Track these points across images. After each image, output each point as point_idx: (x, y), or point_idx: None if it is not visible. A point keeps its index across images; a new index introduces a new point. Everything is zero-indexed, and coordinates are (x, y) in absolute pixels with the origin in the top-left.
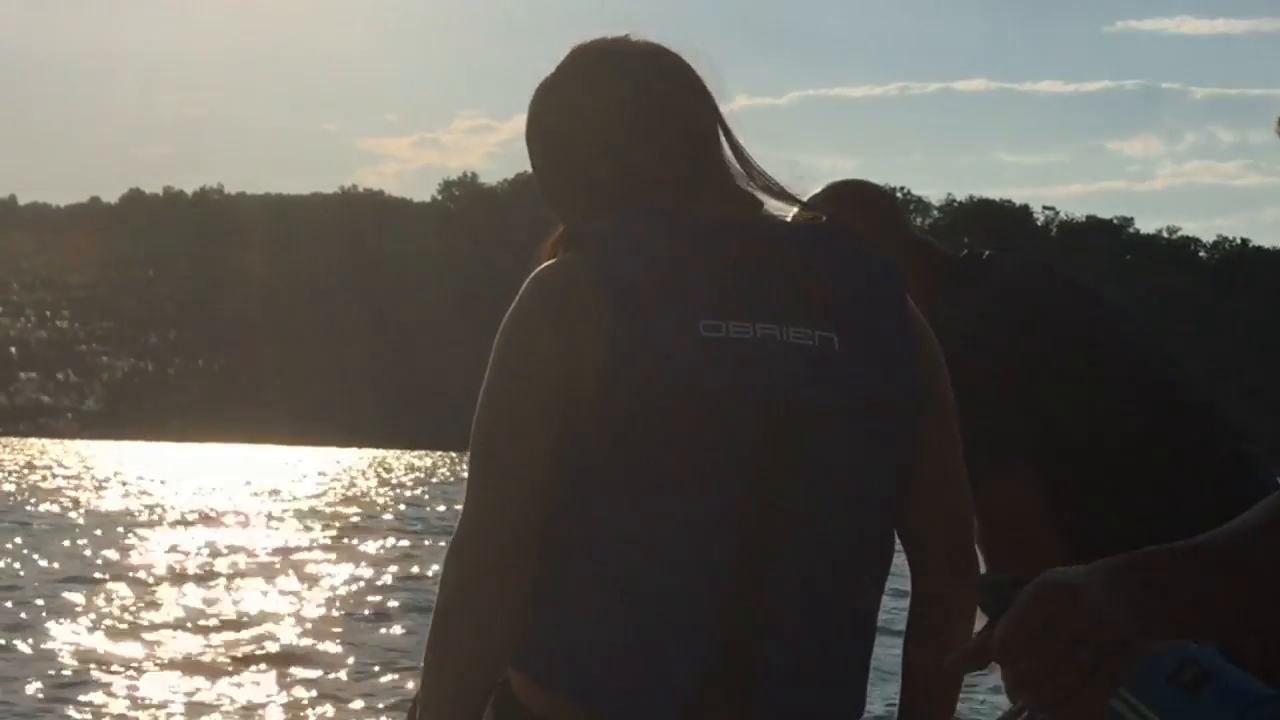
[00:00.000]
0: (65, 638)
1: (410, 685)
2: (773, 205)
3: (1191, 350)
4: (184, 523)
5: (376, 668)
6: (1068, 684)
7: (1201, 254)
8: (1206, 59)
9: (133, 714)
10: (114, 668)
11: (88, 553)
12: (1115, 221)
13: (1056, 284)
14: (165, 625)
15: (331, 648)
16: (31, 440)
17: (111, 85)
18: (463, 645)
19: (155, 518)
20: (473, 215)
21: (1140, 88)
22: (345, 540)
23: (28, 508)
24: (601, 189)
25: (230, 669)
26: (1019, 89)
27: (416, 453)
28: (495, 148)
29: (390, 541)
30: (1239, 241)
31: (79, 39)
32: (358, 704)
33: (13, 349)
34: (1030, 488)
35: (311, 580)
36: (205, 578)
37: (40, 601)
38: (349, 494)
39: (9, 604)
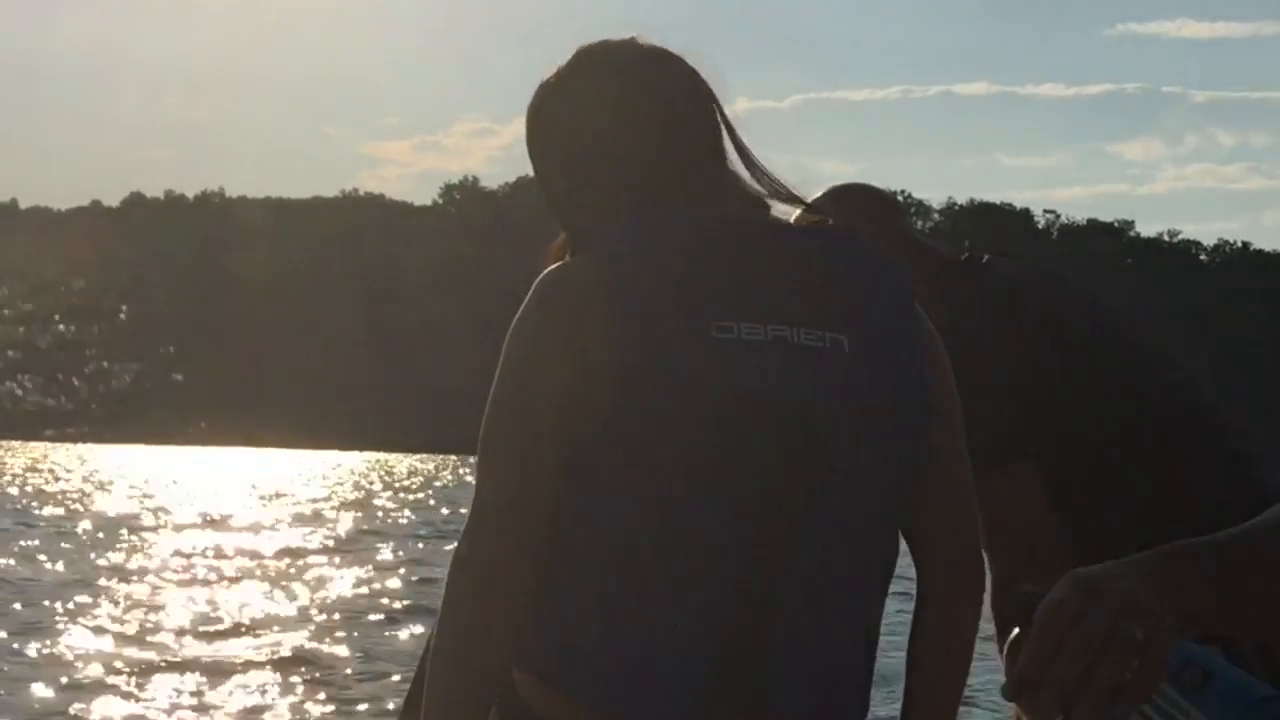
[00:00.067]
0: (72, 641)
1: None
2: (777, 208)
3: (1192, 353)
4: (189, 526)
5: (384, 669)
6: (1112, 671)
7: (1202, 257)
8: (1207, 62)
9: (140, 717)
10: (121, 671)
11: (93, 556)
12: (1116, 224)
13: (1056, 285)
14: (171, 628)
15: (340, 651)
16: (33, 444)
17: (112, 89)
18: (468, 649)
19: (160, 521)
20: (474, 218)
21: (1141, 91)
22: (350, 543)
23: (32, 512)
24: (605, 191)
25: (237, 672)
26: (1020, 92)
27: (418, 456)
28: (496, 151)
29: (394, 545)
30: (1240, 245)
31: (80, 43)
32: (363, 706)
33: (10, 352)
34: (1032, 486)
35: (318, 583)
36: (211, 581)
37: (47, 605)
38: (353, 497)
39: (16, 606)
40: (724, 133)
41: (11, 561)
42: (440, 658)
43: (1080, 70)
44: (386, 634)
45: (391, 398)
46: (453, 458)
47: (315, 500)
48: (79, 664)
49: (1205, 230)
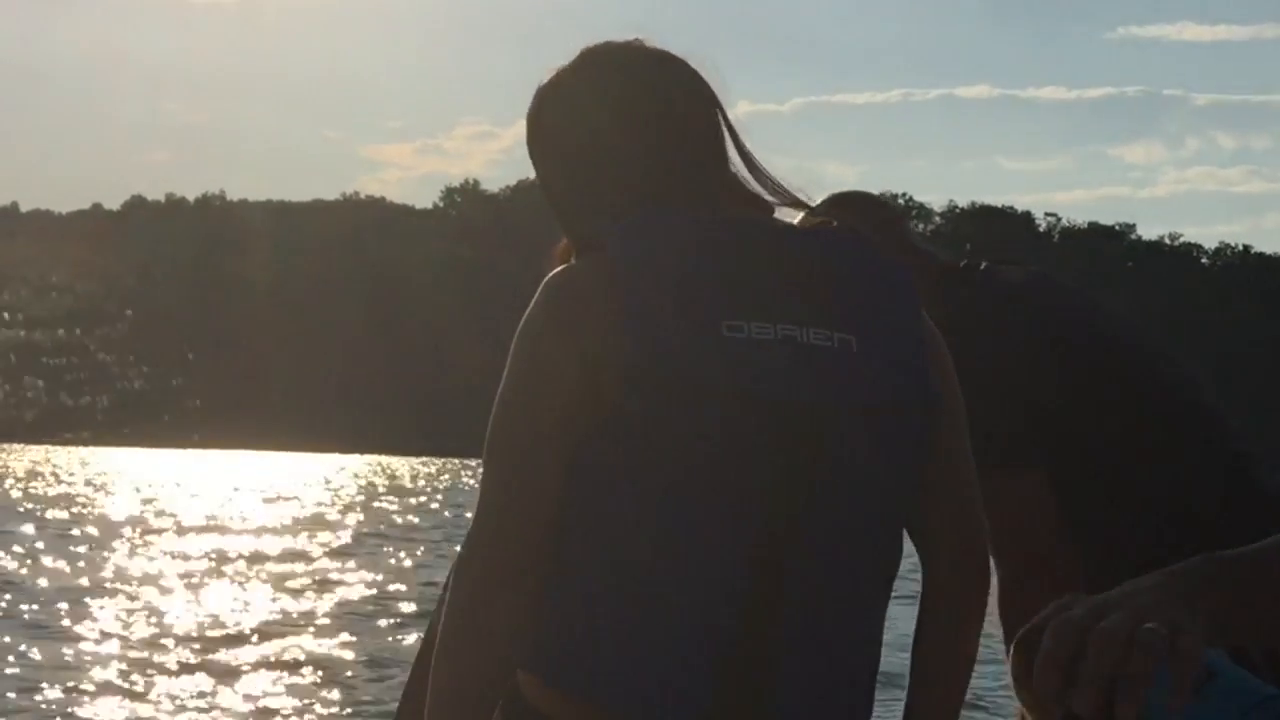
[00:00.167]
0: (77, 644)
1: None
2: (780, 211)
3: (1193, 355)
4: (194, 529)
5: (391, 673)
6: (1144, 663)
7: (1204, 260)
8: (1208, 65)
9: (146, 718)
10: (127, 674)
11: (98, 559)
12: (1117, 228)
13: (1055, 289)
14: (176, 631)
15: (347, 654)
16: (35, 447)
17: (113, 92)
18: (472, 649)
19: (165, 524)
20: (475, 222)
21: (1142, 94)
22: (355, 546)
23: (36, 514)
24: (606, 192)
25: (243, 675)
26: (1021, 95)
27: (420, 459)
28: (498, 154)
29: (400, 547)
30: (1241, 248)
31: (80, 45)
32: (371, 709)
33: (12, 356)
34: (1038, 489)
35: (325, 586)
36: (217, 584)
37: (52, 607)
38: (357, 500)
39: (21, 608)
40: (726, 136)
41: (16, 564)
42: (443, 658)
43: (1081, 73)
44: (392, 639)
45: (392, 400)
46: (454, 461)
47: (319, 503)
48: (85, 667)
49: (1207, 233)
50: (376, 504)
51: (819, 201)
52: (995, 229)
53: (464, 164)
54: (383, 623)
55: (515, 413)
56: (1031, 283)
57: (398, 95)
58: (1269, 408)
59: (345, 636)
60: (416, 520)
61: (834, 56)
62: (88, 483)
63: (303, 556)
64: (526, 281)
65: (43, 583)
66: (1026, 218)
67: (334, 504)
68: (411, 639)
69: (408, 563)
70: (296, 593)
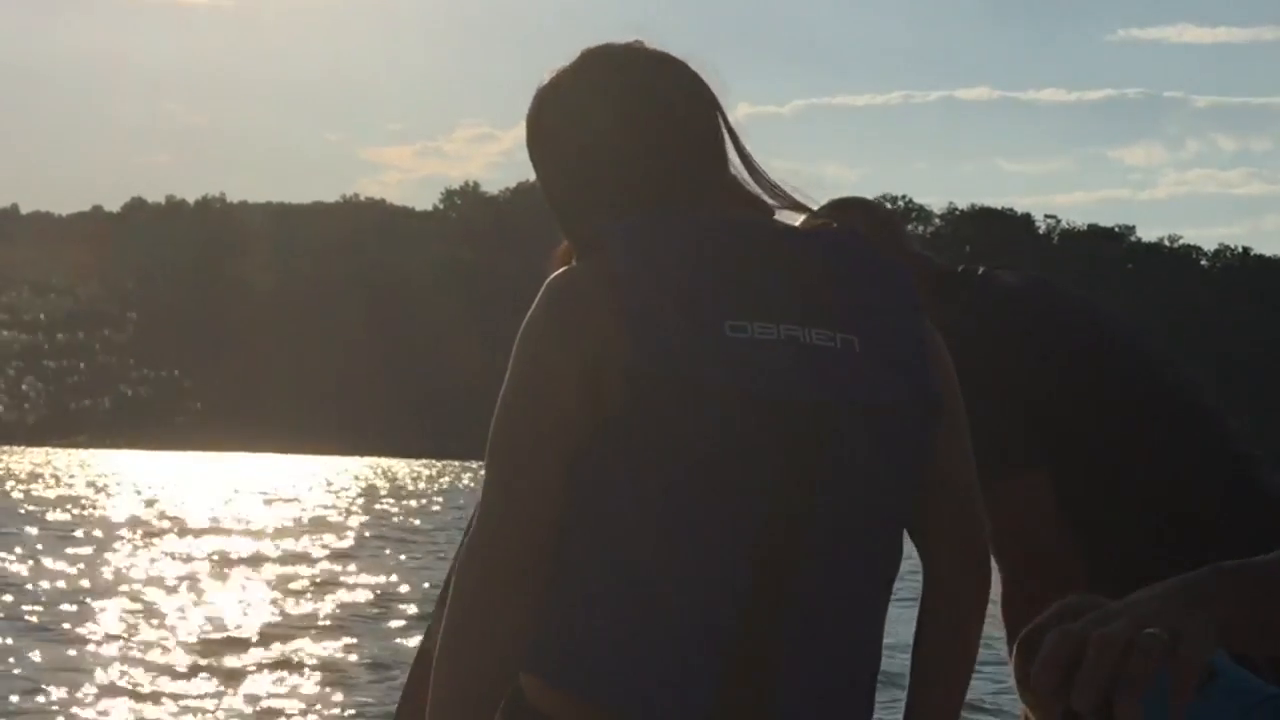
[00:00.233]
0: (80, 646)
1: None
2: (780, 214)
3: (1193, 357)
4: (196, 531)
5: (395, 675)
6: (1144, 665)
7: (1203, 262)
8: (1208, 68)
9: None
10: (128, 675)
11: (100, 560)
12: (1117, 230)
13: (1054, 292)
14: (178, 633)
15: (349, 656)
16: (36, 449)
17: (113, 94)
18: (474, 651)
19: (167, 526)
20: (475, 224)
21: (1142, 96)
22: (358, 548)
23: (38, 516)
24: (606, 193)
25: (246, 677)
26: (1021, 97)
27: (420, 461)
28: (498, 157)
29: (403, 550)
30: (1241, 250)
31: (80, 48)
32: (374, 711)
33: (12, 358)
34: (1039, 489)
35: (326, 588)
36: (219, 585)
37: (54, 609)
38: (358, 502)
39: (23, 610)
40: (726, 138)
41: (18, 566)
42: (445, 659)
43: (1081, 75)
44: (397, 641)
45: (392, 403)
46: (454, 463)
47: (321, 505)
48: (87, 669)
49: (1206, 235)
50: (378, 506)
51: (817, 208)
52: (995, 231)
53: (464, 166)
54: (385, 625)
55: (517, 415)
56: (1029, 286)
57: (398, 97)
58: (1269, 409)
59: (348, 639)
60: (418, 522)
61: (834, 58)
62: (89, 484)
63: (305, 558)
64: (527, 283)
65: (45, 585)
66: (1026, 220)
67: (335, 506)
68: (414, 641)
69: (410, 564)
70: (299, 594)
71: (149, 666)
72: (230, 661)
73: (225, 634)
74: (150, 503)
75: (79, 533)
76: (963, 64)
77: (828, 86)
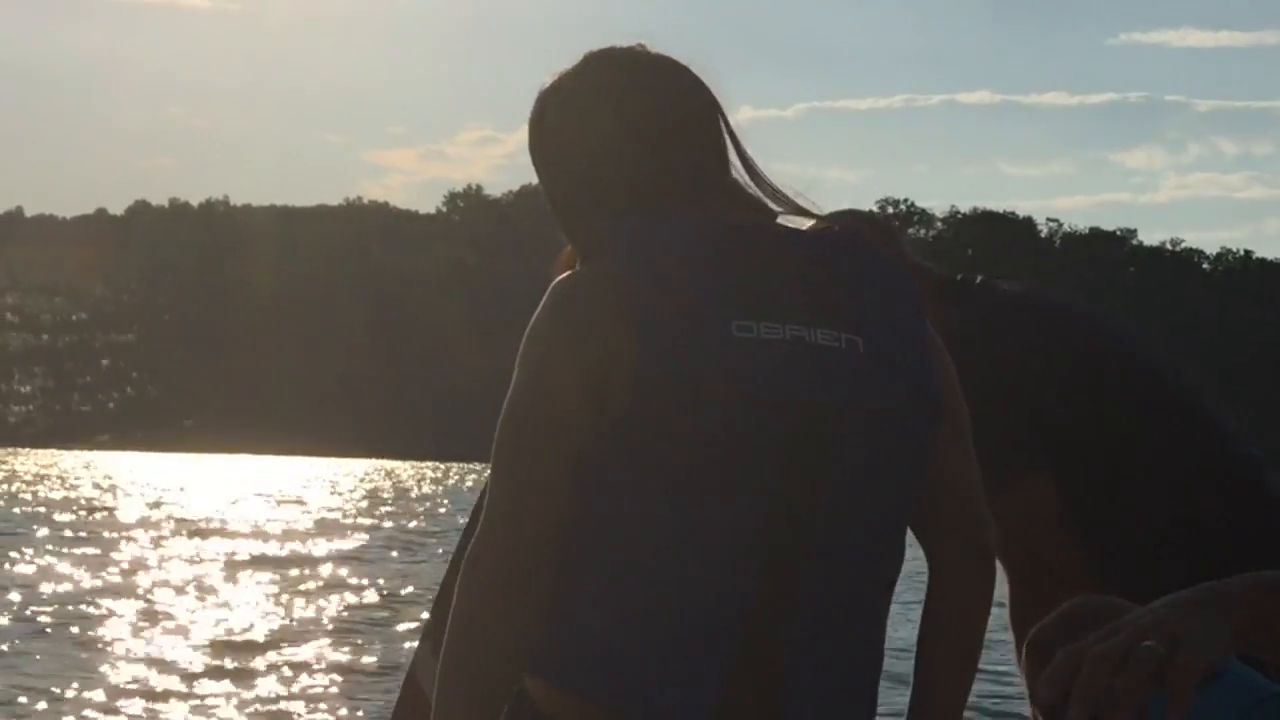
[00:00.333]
0: (87, 648)
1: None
2: (782, 218)
3: (1194, 361)
4: (202, 533)
5: (402, 676)
6: (1129, 684)
7: (1205, 266)
8: (1210, 71)
9: None
10: (137, 676)
11: (107, 562)
12: (1119, 233)
13: (1055, 300)
14: (184, 635)
15: (357, 658)
16: (41, 451)
17: (117, 97)
18: (478, 653)
19: (173, 528)
20: (478, 227)
21: (1144, 100)
22: (364, 550)
23: (45, 518)
24: (608, 196)
25: (252, 678)
26: (1023, 101)
27: (424, 464)
28: (500, 160)
29: (409, 552)
30: (1242, 253)
31: (84, 51)
32: (383, 713)
33: (17, 361)
34: (1043, 492)
35: (334, 590)
36: (226, 587)
37: (63, 609)
38: (364, 505)
39: (29, 611)
40: (729, 142)
41: (26, 568)
42: (450, 662)
43: (1083, 79)
44: (406, 645)
45: (396, 405)
46: (458, 465)
47: (327, 508)
48: (96, 670)
49: (1208, 239)
50: (384, 508)
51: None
52: (997, 234)
53: (467, 169)
54: (393, 627)
55: (523, 418)
56: (1030, 294)
57: (401, 101)
58: (1270, 412)
59: (356, 640)
60: (425, 524)
61: (837, 62)
62: (95, 486)
63: (311, 560)
64: (529, 286)
65: (53, 586)
66: (1028, 223)
67: (341, 508)
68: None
69: (417, 567)
70: (306, 596)
71: (157, 668)
72: (239, 663)
73: (233, 636)
74: (157, 504)
75: (86, 534)
76: (965, 67)
77: (830, 90)
